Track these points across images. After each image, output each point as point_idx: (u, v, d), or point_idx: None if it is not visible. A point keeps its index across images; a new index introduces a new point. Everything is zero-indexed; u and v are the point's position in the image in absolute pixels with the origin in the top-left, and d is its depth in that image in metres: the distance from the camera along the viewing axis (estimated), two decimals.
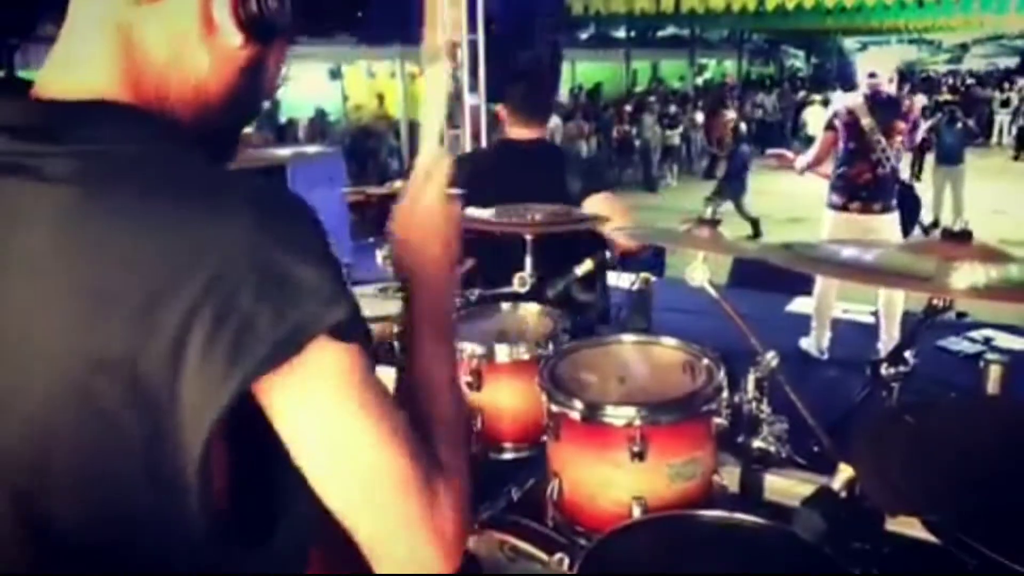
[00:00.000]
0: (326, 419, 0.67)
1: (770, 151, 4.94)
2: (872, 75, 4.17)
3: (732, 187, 9.99)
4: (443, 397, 0.83)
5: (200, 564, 0.69)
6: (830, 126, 4.21)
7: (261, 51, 0.75)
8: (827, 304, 4.39)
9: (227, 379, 0.61)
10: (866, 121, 4.01)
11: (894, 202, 4.12)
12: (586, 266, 2.00)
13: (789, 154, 4.70)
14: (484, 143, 7.22)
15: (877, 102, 4.08)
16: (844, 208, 4.10)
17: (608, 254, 2.03)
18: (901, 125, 4.06)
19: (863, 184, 4.05)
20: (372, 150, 11.90)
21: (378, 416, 0.68)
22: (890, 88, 4.20)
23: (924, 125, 4.08)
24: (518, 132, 2.63)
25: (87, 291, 0.62)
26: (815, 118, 14.54)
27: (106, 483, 0.65)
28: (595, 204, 2.44)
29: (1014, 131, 18.15)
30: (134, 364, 0.61)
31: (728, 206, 9.33)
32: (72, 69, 0.70)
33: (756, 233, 9.56)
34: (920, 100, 16.01)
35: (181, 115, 0.73)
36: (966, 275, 1.16)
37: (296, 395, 0.65)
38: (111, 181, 0.64)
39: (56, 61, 0.71)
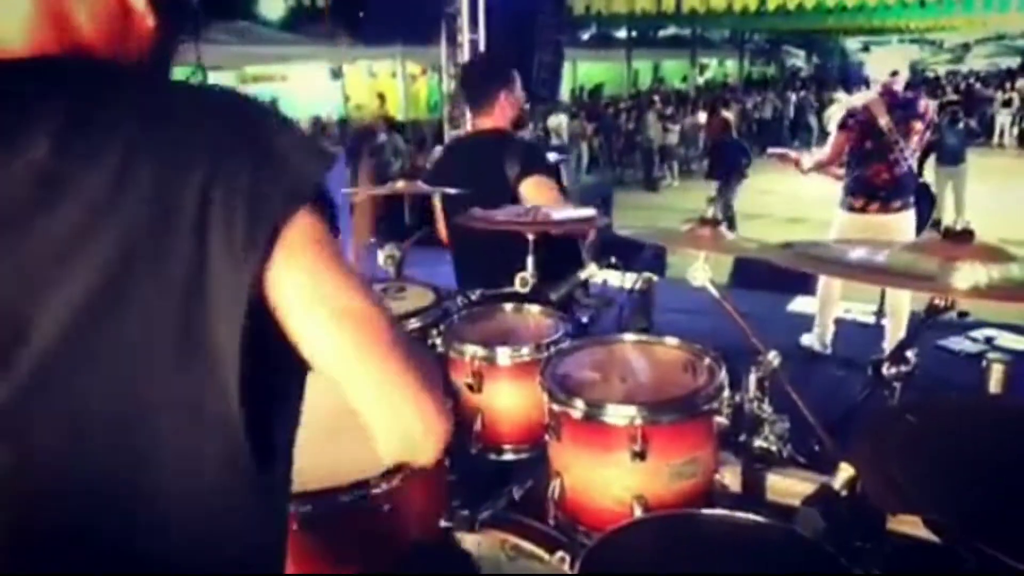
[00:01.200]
0: (320, 277, 0.73)
1: (771, 150, 4.89)
2: (895, 73, 4.09)
3: (719, 180, 9.99)
4: None
5: (225, 478, 0.71)
6: (844, 125, 4.12)
7: (170, 31, 0.83)
8: (831, 299, 4.37)
9: (251, 244, 0.67)
10: (884, 120, 3.95)
11: (912, 199, 4.07)
12: (590, 270, 2.00)
13: (792, 153, 4.66)
14: None
15: (895, 102, 4.02)
16: (863, 210, 4.02)
17: (612, 259, 2.03)
18: (919, 125, 3.99)
19: (881, 184, 3.99)
20: (373, 150, 11.89)
21: (357, 275, 0.77)
22: (899, 87, 4.13)
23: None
24: (475, 123, 2.70)
25: (103, 188, 0.65)
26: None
27: (141, 381, 0.67)
28: (527, 188, 2.45)
29: (1016, 131, 18.14)
30: (160, 248, 0.65)
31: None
32: (8, 40, 0.73)
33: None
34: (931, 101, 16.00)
35: None
36: (968, 275, 1.16)
37: (291, 261, 0.71)
38: (99, 101, 0.68)
39: None
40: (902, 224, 4.03)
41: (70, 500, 0.69)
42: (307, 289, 0.72)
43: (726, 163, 10.15)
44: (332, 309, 0.73)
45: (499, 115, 2.61)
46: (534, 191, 2.44)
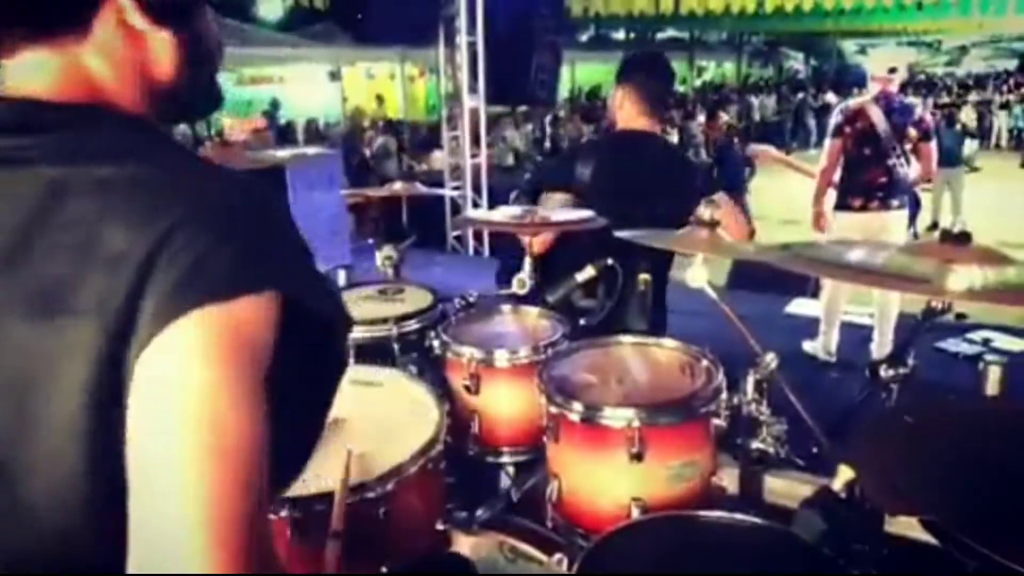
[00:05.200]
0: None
1: (752, 147, 4.84)
2: (893, 70, 4.12)
3: (728, 187, 9.91)
4: None
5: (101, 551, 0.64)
6: (840, 131, 4.11)
7: (184, 29, 0.78)
8: (837, 305, 4.33)
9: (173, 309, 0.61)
10: (882, 127, 3.99)
11: (906, 198, 4.15)
12: (587, 272, 1.99)
13: (772, 150, 4.62)
14: (483, 144, 7.23)
15: (891, 107, 4.05)
16: (863, 208, 4.05)
17: (609, 261, 2.02)
18: (913, 132, 4.02)
19: (879, 186, 4.04)
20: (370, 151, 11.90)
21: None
22: (894, 88, 4.12)
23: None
24: (639, 123, 2.50)
25: (66, 256, 0.63)
26: None
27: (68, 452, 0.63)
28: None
29: (1013, 133, 18.17)
30: (99, 321, 0.62)
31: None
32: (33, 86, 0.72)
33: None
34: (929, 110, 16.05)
35: (148, 107, 0.77)
36: (963, 278, 1.16)
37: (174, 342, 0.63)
38: (86, 162, 0.67)
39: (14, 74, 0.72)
40: (895, 222, 4.09)
41: None
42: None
43: (727, 175, 10.09)
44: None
45: (660, 121, 2.54)
46: (722, 210, 2.35)
